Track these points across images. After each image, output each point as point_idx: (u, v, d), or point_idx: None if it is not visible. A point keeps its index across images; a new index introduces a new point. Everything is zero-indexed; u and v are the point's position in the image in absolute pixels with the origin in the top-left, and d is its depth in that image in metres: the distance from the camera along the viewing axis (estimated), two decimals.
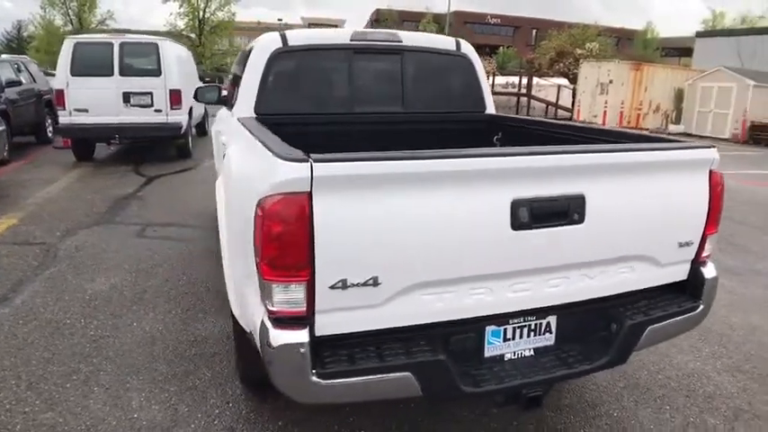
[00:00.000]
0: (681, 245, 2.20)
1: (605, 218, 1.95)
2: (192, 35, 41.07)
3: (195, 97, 4.93)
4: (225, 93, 4.43)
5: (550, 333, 2.11)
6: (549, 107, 25.10)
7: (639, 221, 2.05)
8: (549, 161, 1.84)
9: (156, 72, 8.73)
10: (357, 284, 1.68)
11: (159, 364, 3.06)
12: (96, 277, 4.28)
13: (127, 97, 8.63)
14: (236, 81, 3.72)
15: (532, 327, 2.07)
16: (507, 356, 2.05)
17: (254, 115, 3.14)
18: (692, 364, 3.22)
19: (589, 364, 2.06)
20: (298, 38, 3.25)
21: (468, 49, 3.71)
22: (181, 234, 5.50)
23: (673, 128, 20.59)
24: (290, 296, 1.66)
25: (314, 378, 1.68)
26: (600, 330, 2.17)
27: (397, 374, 1.74)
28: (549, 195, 1.84)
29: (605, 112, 22.42)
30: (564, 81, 27.38)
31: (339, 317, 1.72)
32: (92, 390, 2.80)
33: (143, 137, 9.21)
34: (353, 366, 1.71)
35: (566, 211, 1.88)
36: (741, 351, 3.40)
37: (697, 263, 2.29)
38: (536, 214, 1.82)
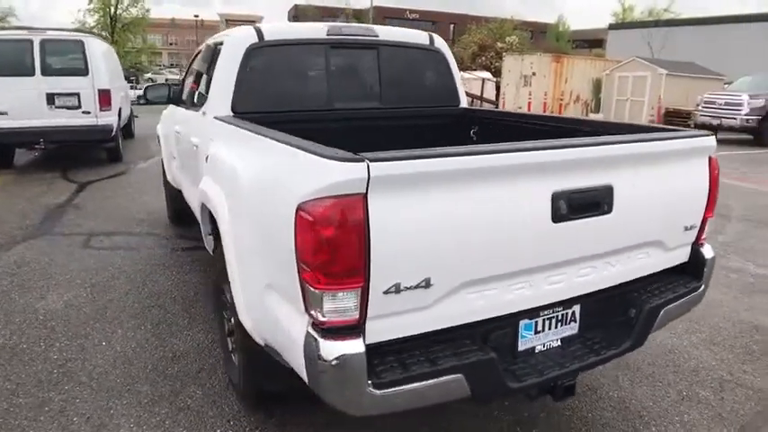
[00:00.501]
0: (686, 228, 2.29)
1: (629, 207, 1.99)
2: (104, 33, 38.43)
3: (144, 96, 4.62)
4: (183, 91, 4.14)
5: (575, 322, 2.13)
6: (475, 100, 25.81)
7: (656, 208, 2.11)
8: (587, 153, 1.85)
9: (83, 71, 8.03)
10: (410, 287, 1.60)
11: (141, 384, 2.81)
12: (47, 295, 3.88)
13: (51, 99, 7.88)
14: (199, 78, 3.48)
15: (559, 317, 2.07)
16: (538, 348, 2.04)
17: (231, 114, 2.95)
18: (670, 341, 3.39)
19: (615, 349, 2.10)
20: (273, 32, 3.08)
21: (440, 43, 3.68)
22: (130, 243, 5.12)
23: (593, 116, 21.81)
24: (342, 304, 1.55)
25: (370, 389, 1.57)
26: (618, 316, 2.21)
27: (450, 377, 1.68)
28: (585, 187, 1.85)
29: (529, 103, 23.34)
30: (487, 74, 28.22)
31: (389, 322, 1.63)
32: (71, 420, 2.52)
33: (71, 141, 8.49)
34: (407, 373, 1.62)
35: (598, 201, 1.90)
36: (710, 325, 3.63)
37: (697, 245, 2.39)
38: (573, 206, 1.82)
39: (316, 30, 3.23)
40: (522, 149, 1.74)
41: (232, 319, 2.63)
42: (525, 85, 24.18)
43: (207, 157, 2.71)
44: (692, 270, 2.40)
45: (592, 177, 1.87)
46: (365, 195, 1.48)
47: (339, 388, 1.58)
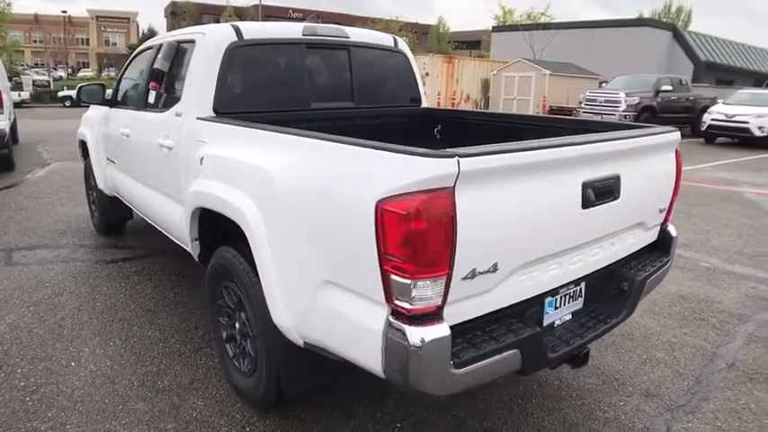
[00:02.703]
0: (660, 211, 2.63)
1: (629, 193, 2.26)
2: None
3: (78, 97, 4.27)
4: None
5: (581, 297, 2.37)
6: None
7: (644, 194, 2.41)
8: (607, 147, 2.09)
9: None
10: (482, 272, 1.72)
11: (135, 402, 2.64)
12: None
13: None
14: (160, 77, 3.30)
15: (572, 294, 2.30)
16: (557, 322, 2.25)
17: (213, 114, 2.86)
18: None
19: (616, 318, 2.38)
20: (252, 31, 3.01)
21: (403, 45, 3.82)
22: (60, 256, 4.67)
23: None
24: (428, 292, 1.63)
25: (452, 369, 1.68)
26: (611, 290, 2.50)
27: (510, 352, 1.82)
28: (603, 176, 2.09)
29: None
30: None
31: (462, 306, 1.74)
32: None
33: None
34: (478, 351, 1.74)
35: (612, 189, 2.15)
36: (646, 298, 4.13)
37: (664, 225, 2.76)
38: (596, 193, 2.05)
39: (291, 30, 3.20)
40: (578, 143, 1.94)
41: (237, 324, 2.59)
42: None
43: (201, 159, 2.60)
44: (662, 246, 2.76)
45: (607, 168, 2.12)
46: (453, 189, 1.58)
47: (426, 371, 1.66)
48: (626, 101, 14.70)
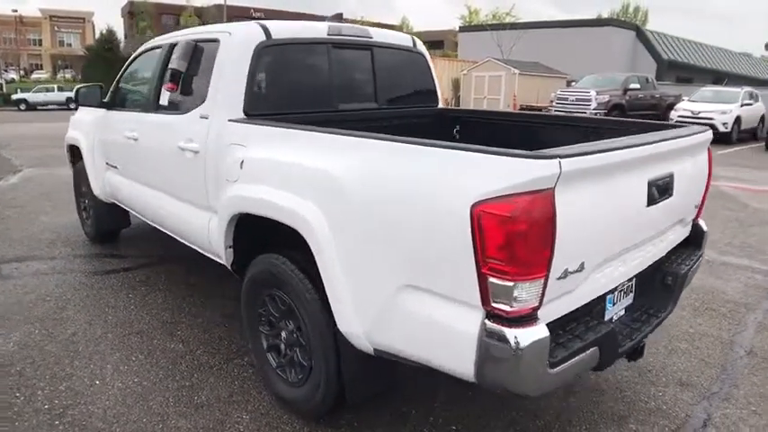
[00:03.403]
0: (695, 207, 2.69)
1: (679, 190, 2.30)
2: None
3: (76, 99, 4.08)
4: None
5: (632, 293, 2.39)
6: None
7: (688, 191, 2.46)
8: (668, 146, 2.12)
9: None
10: (572, 272, 1.71)
11: (176, 419, 2.51)
12: None
13: None
14: (177, 78, 3.17)
15: (625, 290, 2.32)
16: (614, 318, 2.28)
17: (243, 116, 2.76)
18: None
19: (665, 312, 2.42)
20: (279, 30, 2.91)
21: (421, 45, 3.79)
22: (55, 267, 4.43)
23: None
24: (528, 294, 1.61)
25: (548, 369, 1.67)
26: (656, 284, 2.54)
27: (592, 350, 1.83)
28: (663, 174, 2.12)
29: None
30: None
31: (552, 306, 1.73)
32: None
33: None
34: (567, 351, 1.74)
35: (668, 187, 2.18)
36: None
37: (696, 220, 2.82)
38: (658, 191, 2.08)
39: (316, 29, 3.13)
40: (648, 143, 1.96)
41: (284, 333, 2.51)
42: None
43: (241, 163, 2.51)
44: (694, 241, 2.82)
45: (665, 167, 2.15)
46: (554, 190, 1.57)
47: (525, 373, 1.64)
48: (597, 99, 15.07)
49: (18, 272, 4.33)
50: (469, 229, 1.62)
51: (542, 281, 1.63)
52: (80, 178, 4.96)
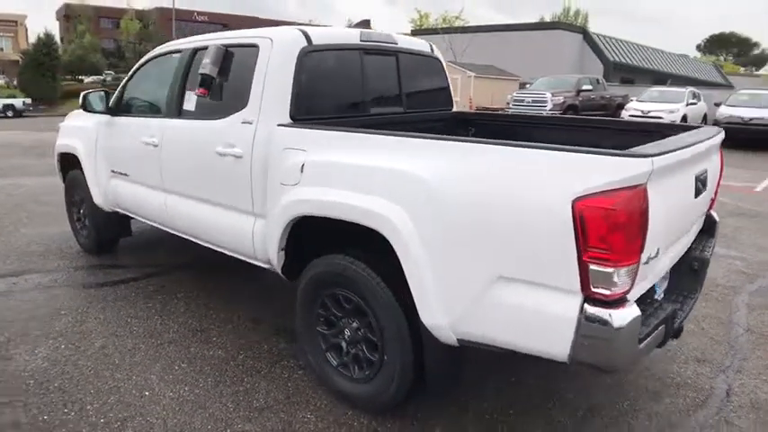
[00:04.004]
0: (711, 199, 2.95)
1: (709, 184, 2.54)
2: None
3: (83, 105, 3.99)
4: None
5: (667, 278, 2.62)
6: None
7: (711, 185, 2.71)
8: (706, 144, 2.35)
9: None
10: (652, 258, 1.90)
11: (242, 424, 2.52)
12: (11, 355, 3.12)
13: None
14: (208, 83, 3.16)
15: (665, 275, 2.54)
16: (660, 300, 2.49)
17: (290, 121, 2.81)
18: None
19: (696, 294, 2.66)
20: (318, 36, 2.97)
21: (437, 51, 3.93)
22: (55, 280, 4.27)
23: None
24: (624, 278, 1.78)
25: (638, 345, 1.85)
26: (683, 269, 2.77)
27: (661, 327, 2.04)
28: (703, 170, 2.36)
29: None
30: None
31: (636, 289, 1.90)
32: None
33: None
34: (648, 328, 1.93)
35: (705, 181, 2.42)
36: None
37: (709, 211, 3.09)
38: (701, 185, 2.32)
39: (350, 35, 3.20)
40: (699, 141, 2.17)
41: (348, 332, 2.57)
42: None
43: (302, 167, 2.55)
44: (708, 230, 3.08)
45: (704, 163, 2.39)
46: (647, 184, 1.75)
47: (622, 349, 1.82)
48: (552, 100, 15.72)
49: (19, 287, 4.15)
50: (571, 222, 1.77)
51: (636, 266, 1.80)
52: (74, 187, 4.79)
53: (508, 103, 17.34)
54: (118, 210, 4.34)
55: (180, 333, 3.43)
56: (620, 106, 17.36)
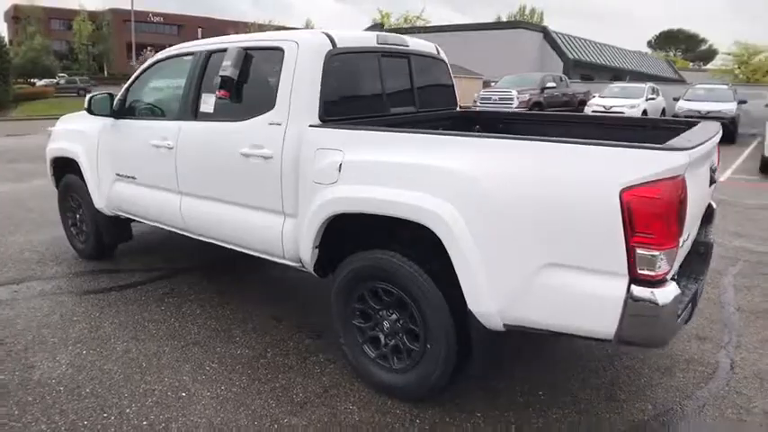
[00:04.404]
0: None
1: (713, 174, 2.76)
2: None
3: (89, 108, 3.94)
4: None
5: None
6: None
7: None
8: (718, 138, 2.55)
9: None
10: (684, 242, 2.08)
11: (288, 418, 2.58)
12: (33, 363, 3.07)
13: None
14: (229, 85, 3.18)
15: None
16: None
17: (319, 122, 2.87)
18: None
19: (704, 276, 2.86)
20: (341, 39, 3.03)
21: (442, 53, 4.06)
22: (59, 287, 4.17)
23: None
24: (667, 260, 1.96)
25: (677, 320, 2.03)
26: (692, 253, 2.97)
27: (689, 305, 2.24)
28: (714, 161, 2.57)
29: None
30: None
31: (672, 270, 2.08)
32: None
33: None
34: (683, 305, 2.11)
35: (714, 170, 2.64)
36: None
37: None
38: (713, 176, 2.52)
39: (368, 38, 3.27)
40: (714, 135, 2.37)
41: (387, 324, 2.66)
42: None
43: (340, 166, 2.62)
44: (708, 217, 3.30)
45: (714, 155, 2.60)
46: (684, 175, 1.94)
47: (665, 325, 2.00)
48: (518, 98, 16.11)
49: (22, 295, 4.05)
50: (619, 211, 1.92)
51: (676, 249, 1.98)
52: (70, 192, 4.69)
53: (475, 101, 17.65)
54: (120, 214, 4.29)
55: (202, 334, 3.44)
56: (582, 102, 17.95)
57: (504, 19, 47.20)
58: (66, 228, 4.93)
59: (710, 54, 57.13)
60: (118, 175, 4.10)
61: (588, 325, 2.11)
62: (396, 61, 3.49)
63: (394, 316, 2.66)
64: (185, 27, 66.37)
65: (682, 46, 59.00)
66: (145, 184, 3.88)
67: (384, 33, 3.43)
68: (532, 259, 2.15)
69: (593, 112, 15.69)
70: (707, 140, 2.26)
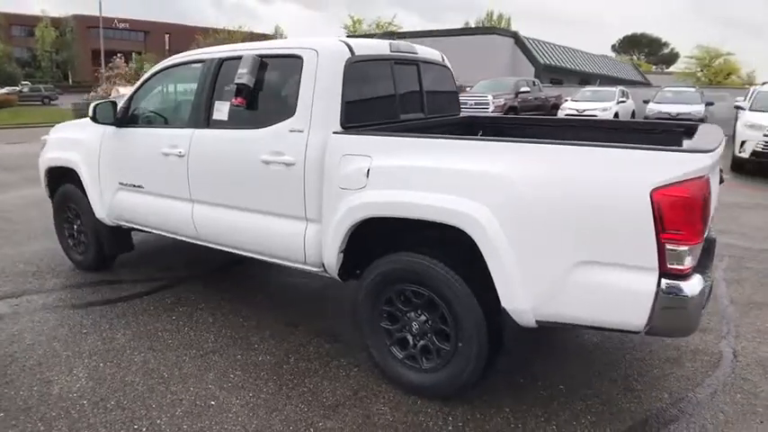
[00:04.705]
0: None
1: None
2: None
3: (94, 116, 3.89)
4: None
5: None
6: None
7: None
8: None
9: None
10: (704, 238, 2.22)
11: (322, 421, 2.61)
12: (49, 378, 3.01)
13: None
14: (246, 93, 3.19)
15: None
16: None
17: (341, 129, 2.92)
18: None
19: (709, 270, 2.98)
20: (358, 47, 3.08)
21: (446, 60, 4.15)
22: (61, 299, 4.08)
23: None
24: (693, 255, 2.11)
25: (702, 309, 2.15)
26: None
27: (707, 296, 2.35)
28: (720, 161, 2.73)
29: None
30: None
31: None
32: None
33: None
34: (704, 296, 2.23)
35: (722, 170, 2.79)
36: None
37: None
38: (722, 176, 2.67)
39: (382, 46, 3.34)
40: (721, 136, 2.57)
41: (415, 325, 2.72)
42: None
43: (368, 172, 2.67)
44: None
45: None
46: (708, 176, 2.08)
47: (690, 314, 2.14)
48: (494, 102, 16.39)
49: (23, 308, 3.95)
50: (650, 209, 2.04)
51: (700, 245, 2.12)
52: (67, 203, 4.60)
53: None
54: (122, 223, 4.24)
55: (219, 342, 3.43)
56: (555, 106, 18.38)
57: (473, 25, 47.95)
58: (63, 239, 4.83)
59: (673, 57, 59.24)
60: (121, 184, 4.05)
61: (619, 318, 2.22)
62: (406, 68, 3.57)
63: (423, 317, 2.72)
64: (152, 33, 65.37)
65: (645, 50, 61.05)
66: (153, 193, 3.85)
67: (396, 41, 3.50)
68: (565, 258, 2.25)
69: (566, 115, 16.08)
70: (721, 143, 2.41)
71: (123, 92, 24.53)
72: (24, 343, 3.42)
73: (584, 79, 28.64)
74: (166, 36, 60.08)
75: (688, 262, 2.09)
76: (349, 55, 3.01)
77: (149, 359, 3.23)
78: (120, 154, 4.02)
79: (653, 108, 15.28)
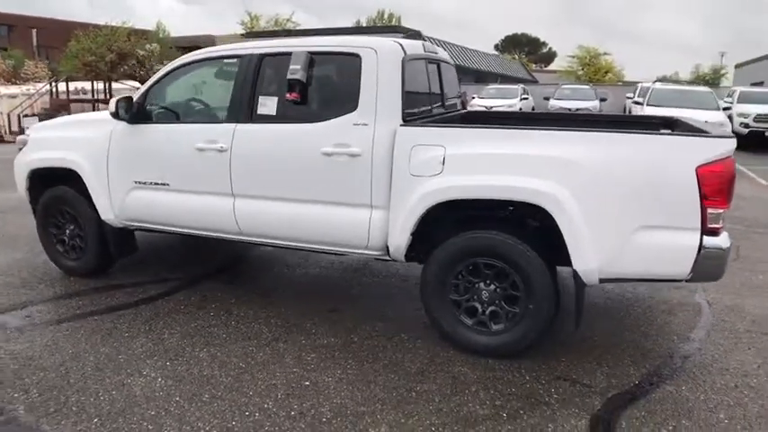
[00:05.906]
0: None
1: None
2: None
3: (116, 113, 3.80)
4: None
5: None
6: None
7: None
8: None
9: None
10: None
11: (418, 384, 2.89)
12: (122, 381, 2.96)
13: None
14: (299, 88, 3.33)
15: None
16: None
17: (402, 123, 3.20)
18: None
19: None
20: (408, 46, 3.36)
21: (451, 59, 4.54)
22: (68, 308, 3.86)
23: None
24: (725, 217, 2.73)
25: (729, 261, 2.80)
26: None
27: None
28: None
29: None
30: (136, 83, 26.44)
31: None
32: None
33: None
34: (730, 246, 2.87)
35: None
36: None
37: None
38: None
39: (419, 46, 3.63)
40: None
41: (486, 293, 3.10)
42: None
43: (443, 159, 2.98)
44: None
45: None
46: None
47: (720, 264, 2.77)
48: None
49: (36, 320, 3.71)
50: (696, 182, 2.65)
51: (728, 209, 2.74)
52: (58, 206, 4.33)
53: None
54: (131, 224, 4.12)
55: (275, 332, 3.53)
56: (463, 103, 19.48)
57: (364, 23, 48.73)
58: (49, 246, 4.51)
59: (551, 56, 64.75)
60: (138, 182, 3.94)
61: (670, 269, 2.81)
62: (433, 67, 3.91)
63: (492, 286, 3.09)
64: (18, 28, 58.59)
65: (525, 49, 66.07)
66: (181, 190, 3.80)
67: (426, 43, 3.82)
68: (628, 225, 2.78)
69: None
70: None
71: (4, 92, 21.85)
72: (66, 352, 3.27)
73: (480, 77, 30.52)
74: (33, 31, 54.19)
75: (721, 222, 2.71)
76: (403, 54, 3.28)
77: (216, 354, 3.26)
78: (136, 151, 3.92)
79: (554, 104, 16.93)
